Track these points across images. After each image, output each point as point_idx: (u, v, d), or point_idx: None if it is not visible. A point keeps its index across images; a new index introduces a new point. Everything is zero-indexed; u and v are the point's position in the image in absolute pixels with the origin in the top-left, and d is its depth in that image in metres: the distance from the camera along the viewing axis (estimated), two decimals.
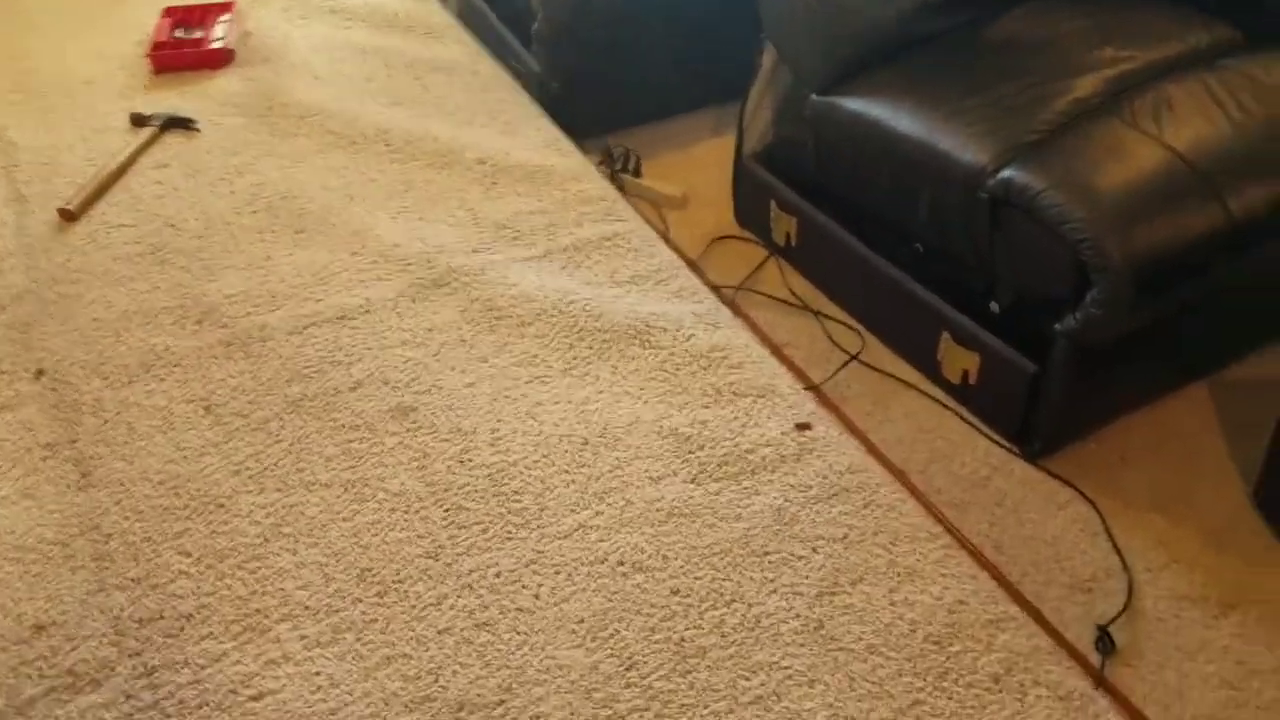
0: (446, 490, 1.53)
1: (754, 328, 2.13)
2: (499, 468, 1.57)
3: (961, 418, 1.84)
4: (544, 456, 1.59)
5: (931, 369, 1.90)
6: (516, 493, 1.53)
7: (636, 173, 2.53)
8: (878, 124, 1.82)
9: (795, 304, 2.17)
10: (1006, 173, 1.59)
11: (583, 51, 2.47)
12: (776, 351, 2.06)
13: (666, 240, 2.22)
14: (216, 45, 2.50)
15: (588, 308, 1.86)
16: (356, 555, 1.44)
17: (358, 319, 1.82)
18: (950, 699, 1.27)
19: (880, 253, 1.96)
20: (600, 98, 2.56)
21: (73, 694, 1.27)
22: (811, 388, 1.96)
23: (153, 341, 1.76)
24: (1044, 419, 1.71)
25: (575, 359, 1.77)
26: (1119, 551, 1.60)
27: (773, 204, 2.22)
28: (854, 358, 2.00)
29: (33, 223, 2.00)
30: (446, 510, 1.51)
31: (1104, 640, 1.44)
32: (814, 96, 1.98)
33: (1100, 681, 1.37)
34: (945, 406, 1.87)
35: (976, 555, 1.53)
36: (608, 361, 1.77)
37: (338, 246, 1.97)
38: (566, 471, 1.57)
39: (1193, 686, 1.38)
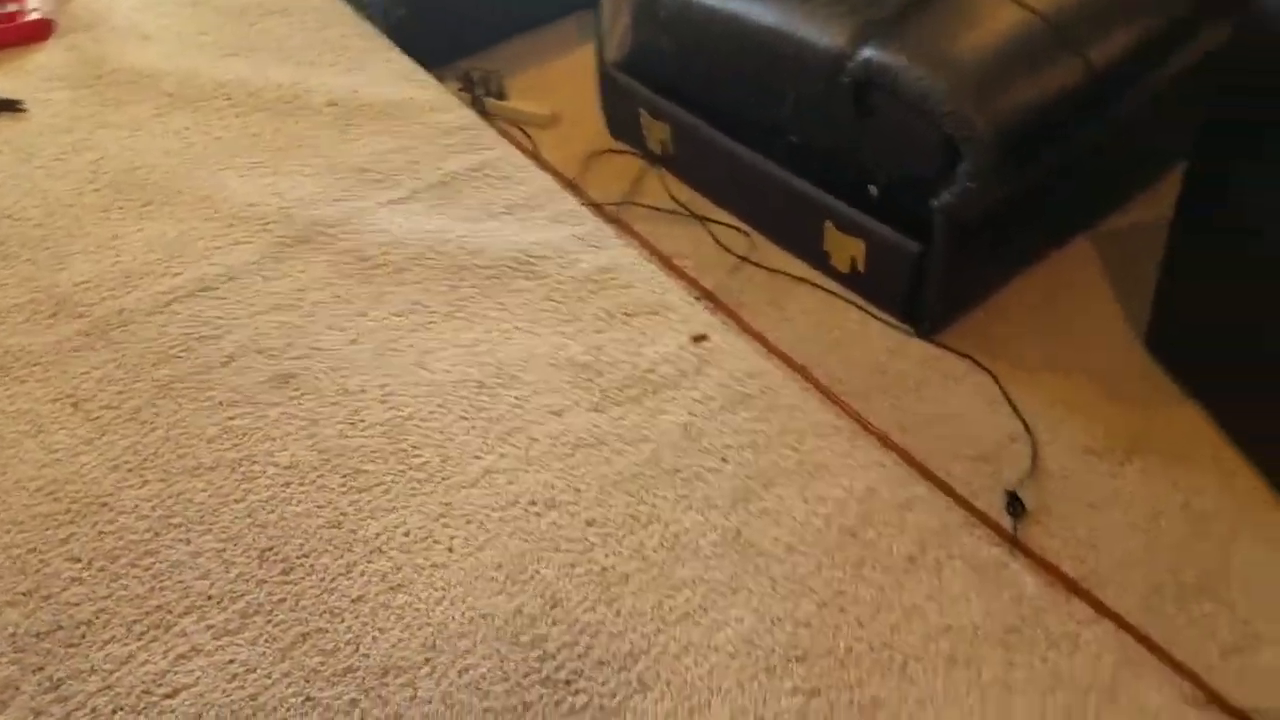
0: (340, 455, 1.48)
1: (641, 242, 2.09)
2: (393, 424, 1.52)
3: (856, 306, 1.84)
4: (439, 406, 1.54)
5: (821, 261, 1.89)
6: (415, 447, 1.49)
7: (500, 95, 2.44)
8: (734, 18, 1.77)
9: (680, 212, 2.14)
10: (865, 52, 1.56)
11: None
12: (666, 263, 2.03)
13: (540, 163, 2.15)
14: (33, 17, 2.30)
15: (464, 245, 1.79)
16: (254, 536, 1.38)
17: (221, 288, 1.73)
18: (869, 585, 1.28)
19: (757, 150, 1.93)
20: (450, 20, 2.45)
21: None
22: (705, 296, 1.93)
23: (7, 342, 1.64)
24: (932, 296, 1.72)
25: (459, 300, 1.71)
26: (1019, 415, 1.63)
27: (643, 113, 2.16)
28: (743, 259, 1.98)
29: None
30: (344, 476, 1.45)
31: (1014, 503, 1.47)
32: None
33: (1014, 544, 1.40)
34: (839, 297, 1.86)
35: (883, 440, 1.53)
36: (493, 298, 1.71)
37: (188, 214, 1.86)
38: (465, 418, 1.52)
39: (1103, 536, 1.42)
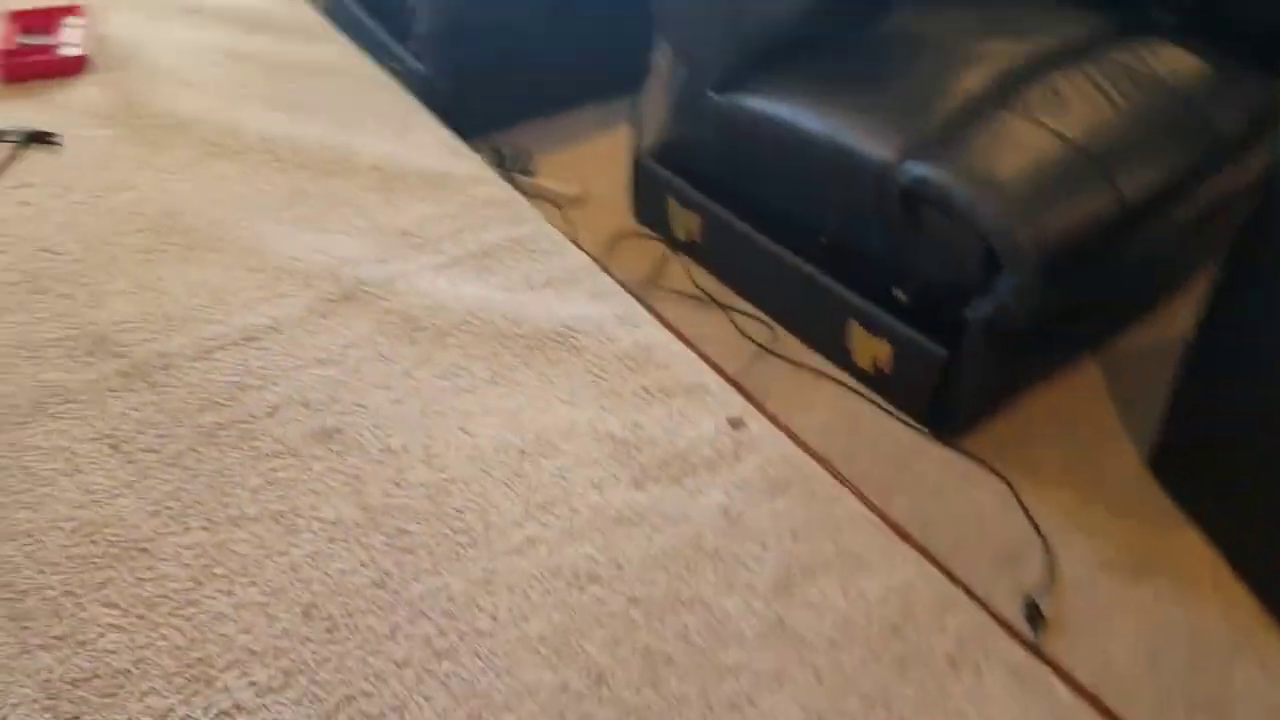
0: (384, 514, 1.48)
1: (665, 325, 2.14)
2: (437, 485, 1.53)
3: (876, 404, 1.91)
4: (482, 470, 1.56)
5: (843, 357, 1.95)
6: (459, 510, 1.50)
7: (528, 172, 2.51)
8: (781, 122, 1.86)
9: (703, 299, 2.20)
10: (914, 168, 1.65)
11: (468, 48, 2.42)
12: (690, 348, 2.08)
13: (574, 241, 2.20)
14: (70, 52, 2.32)
15: (506, 314, 1.83)
16: (298, 591, 1.38)
17: (266, 339, 1.74)
18: (914, 684, 1.31)
19: (786, 246, 2.01)
20: (487, 95, 2.52)
21: None
22: (729, 383, 1.98)
23: (43, 378, 1.63)
24: (956, 402, 1.79)
25: (501, 367, 1.74)
26: (1035, 524, 1.69)
27: (672, 201, 2.24)
28: (764, 349, 2.04)
29: None
30: (387, 535, 1.46)
31: (1033, 612, 1.52)
32: (712, 94, 2.00)
33: (1037, 652, 1.44)
34: (859, 394, 1.92)
35: (910, 538, 1.58)
36: (534, 368, 1.74)
37: (233, 263, 1.87)
38: (507, 484, 1.54)
39: (1118, 651, 1.47)
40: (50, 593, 1.35)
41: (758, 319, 2.13)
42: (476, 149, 2.38)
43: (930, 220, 1.66)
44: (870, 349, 1.89)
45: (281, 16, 2.57)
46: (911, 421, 1.87)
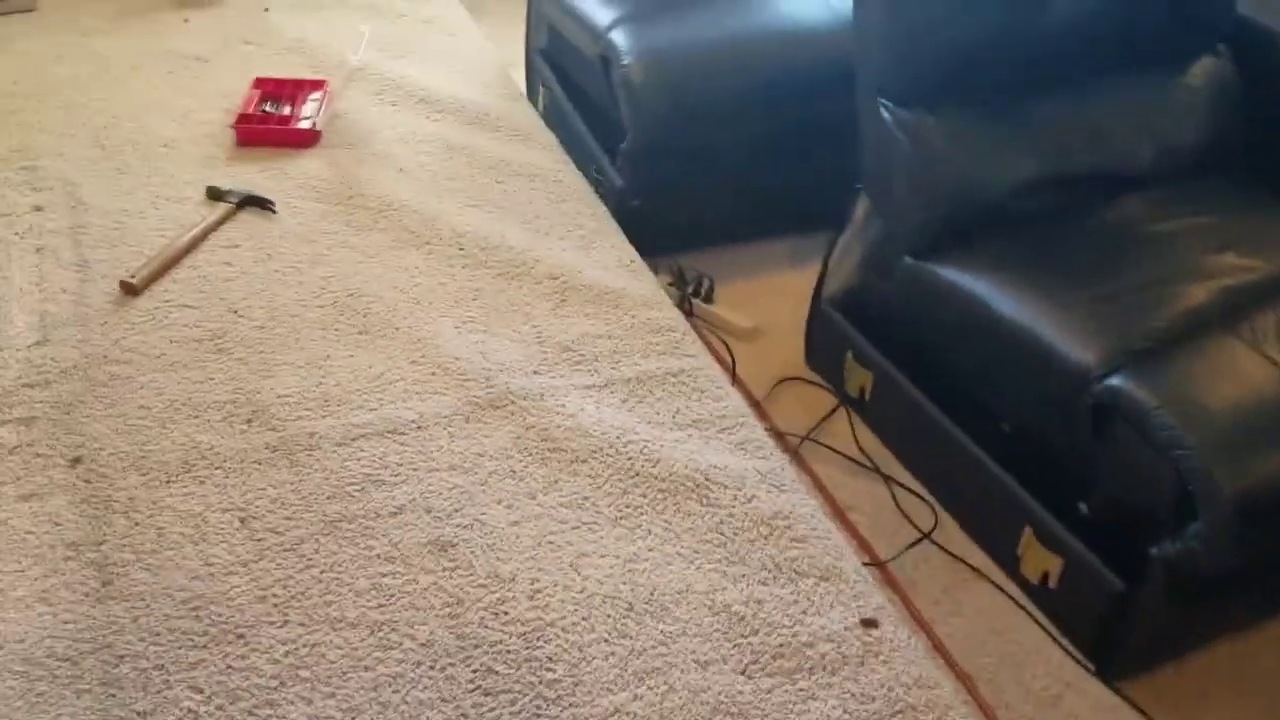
0: (477, 646, 1.43)
1: (817, 483, 2.03)
2: (535, 627, 1.47)
3: (1036, 621, 1.72)
4: (584, 619, 1.49)
5: (1009, 562, 1.78)
6: (551, 659, 1.43)
7: (708, 298, 2.46)
8: (976, 300, 1.73)
9: (865, 465, 2.07)
10: (1115, 380, 1.49)
11: (668, 168, 2.42)
12: (840, 515, 1.96)
13: (734, 379, 2.13)
14: (304, 125, 2.48)
15: (645, 450, 1.77)
16: (375, 713, 1.34)
17: (408, 435, 1.74)
18: None
19: (962, 425, 1.86)
20: (679, 217, 2.51)
21: None
22: (876, 563, 1.84)
23: (198, 439, 1.69)
24: (1127, 641, 1.58)
25: (627, 507, 1.67)
26: None
27: (849, 354, 2.13)
28: (925, 536, 1.88)
29: (94, 292, 1.96)
30: (475, 671, 1.40)
31: None
32: (908, 259, 1.90)
33: None
34: (1019, 605, 1.74)
35: None
36: (662, 515, 1.67)
37: (398, 353, 1.90)
38: (607, 640, 1.46)
39: None
40: (144, 663, 1.37)
41: (920, 497, 1.98)
42: (659, 267, 2.37)
43: (1125, 439, 1.49)
44: (1041, 561, 1.70)
45: (500, 113, 2.66)
46: (1073, 651, 1.67)
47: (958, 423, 1.86)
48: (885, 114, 1.85)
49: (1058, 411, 1.58)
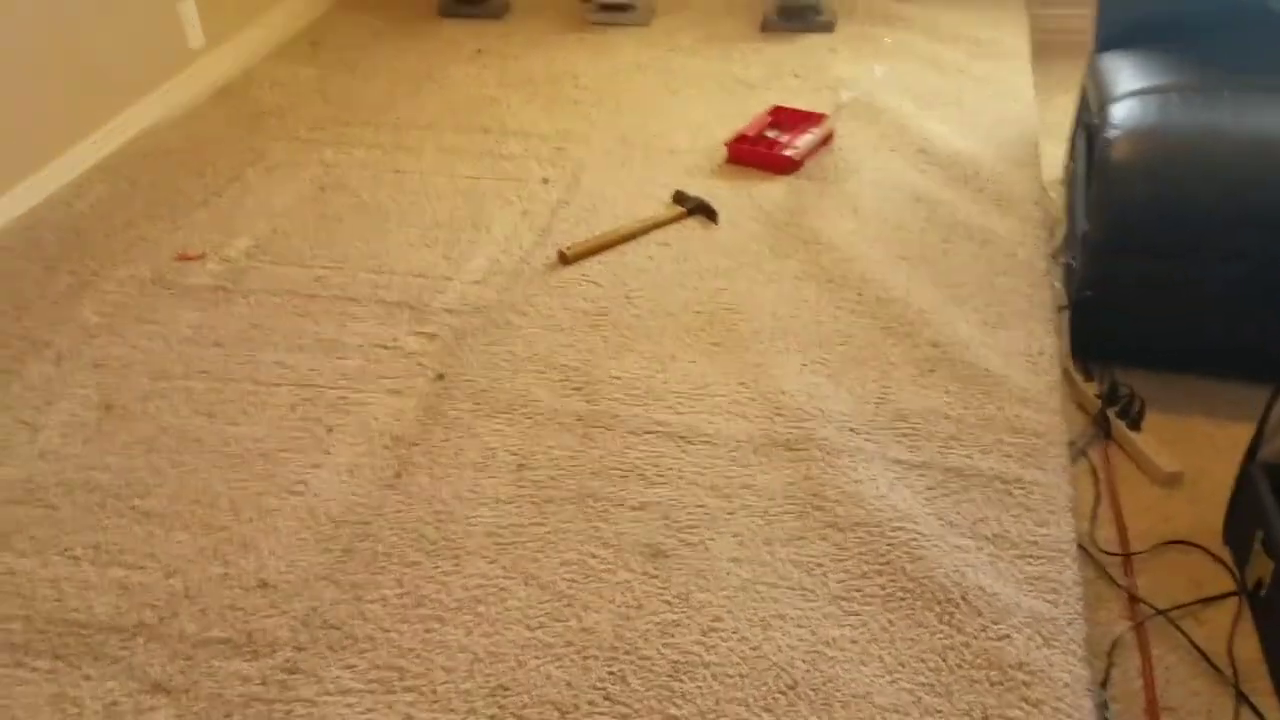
0: (626, 653, 1.44)
1: (1145, 670, 1.65)
2: (689, 661, 1.43)
3: None
4: (740, 676, 1.41)
5: None
6: (684, 697, 1.39)
7: (1135, 424, 2.09)
8: None
9: (1227, 678, 1.63)
10: None
11: (1134, 269, 2.09)
12: (1151, 715, 1.58)
13: (1092, 521, 1.80)
14: (787, 152, 2.59)
15: (913, 544, 1.59)
16: (509, 666, 1.43)
17: (695, 445, 1.78)
18: None
19: None
20: (1131, 324, 2.15)
21: None
22: None
23: (530, 389, 1.91)
24: None
25: (857, 591, 1.53)
26: None
27: (1259, 533, 1.67)
28: None
29: (538, 255, 2.30)
30: (610, 673, 1.42)
31: None
32: None
33: None
34: None
35: None
36: (889, 614, 1.50)
37: (734, 371, 1.94)
38: (747, 706, 1.37)
39: None
40: (379, 551, 1.62)
41: None
42: (1092, 373, 2.06)
43: None
44: None
45: (994, 176, 2.50)
46: None
47: None
48: None
49: None
